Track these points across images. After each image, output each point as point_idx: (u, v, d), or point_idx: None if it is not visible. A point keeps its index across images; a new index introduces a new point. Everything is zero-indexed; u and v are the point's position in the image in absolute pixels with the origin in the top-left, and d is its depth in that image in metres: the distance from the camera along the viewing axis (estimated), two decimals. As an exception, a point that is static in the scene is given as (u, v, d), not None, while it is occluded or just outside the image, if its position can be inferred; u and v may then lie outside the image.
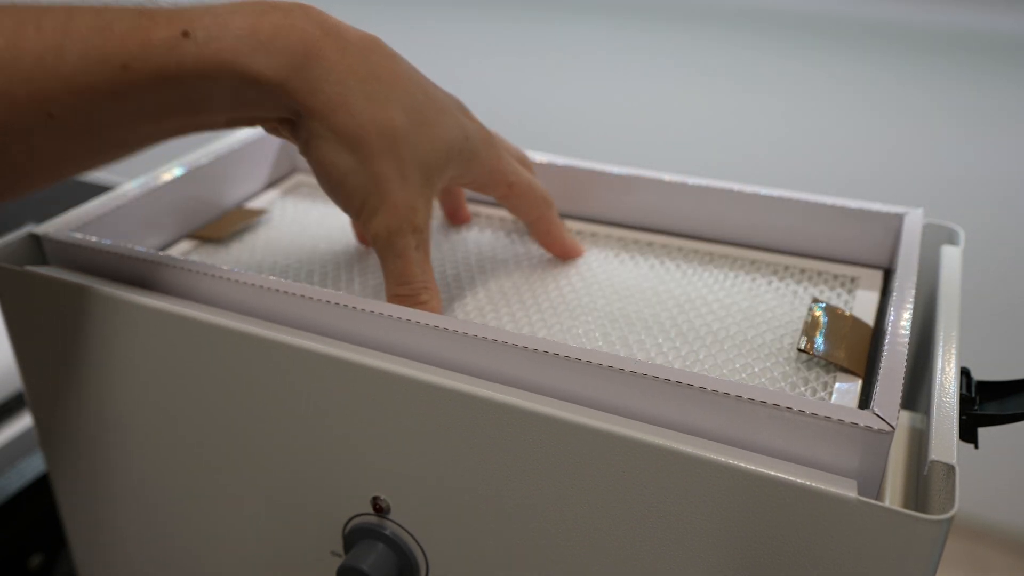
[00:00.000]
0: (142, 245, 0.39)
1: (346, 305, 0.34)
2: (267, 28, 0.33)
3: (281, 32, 0.33)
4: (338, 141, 0.34)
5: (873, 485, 0.28)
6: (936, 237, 0.43)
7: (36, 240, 0.41)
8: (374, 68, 0.35)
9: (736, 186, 0.45)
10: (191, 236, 0.47)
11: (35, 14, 0.31)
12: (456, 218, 0.47)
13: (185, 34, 0.32)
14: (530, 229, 0.43)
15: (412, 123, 0.35)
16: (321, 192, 0.44)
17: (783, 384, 0.34)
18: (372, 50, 0.35)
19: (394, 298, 0.36)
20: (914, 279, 0.36)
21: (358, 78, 0.34)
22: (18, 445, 0.57)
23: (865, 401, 0.32)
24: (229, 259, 0.44)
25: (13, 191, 0.34)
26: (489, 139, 0.39)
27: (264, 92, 0.33)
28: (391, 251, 0.36)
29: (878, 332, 0.36)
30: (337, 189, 0.36)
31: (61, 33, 0.31)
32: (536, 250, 0.45)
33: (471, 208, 0.49)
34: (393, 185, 0.35)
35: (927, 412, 0.32)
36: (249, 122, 0.36)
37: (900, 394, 0.29)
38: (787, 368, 0.35)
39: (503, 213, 0.49)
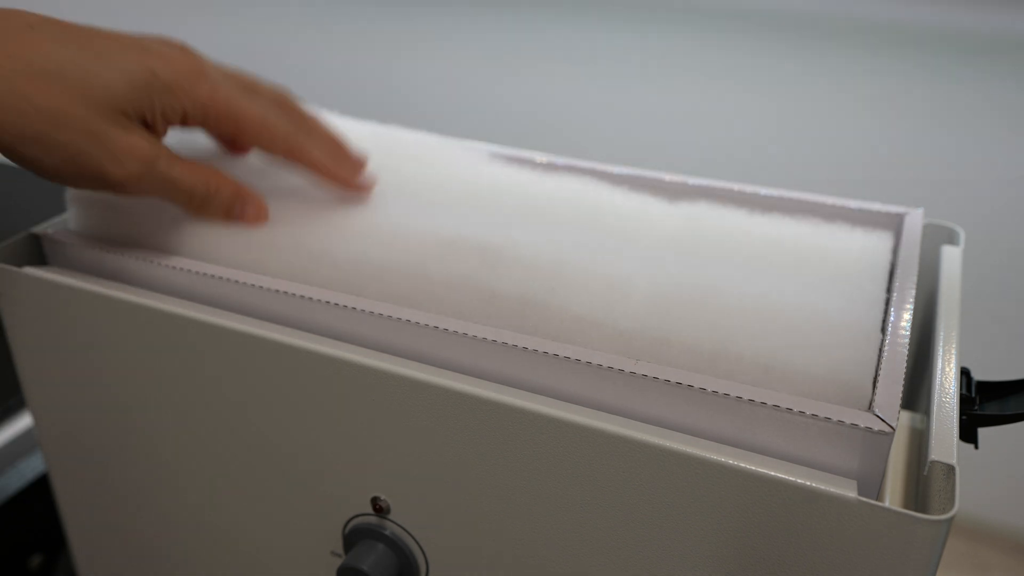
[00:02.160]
0: (142, 245, 0.39)
1: (346, 305, 0.34)
2: None
3: None
4: (7, 135, 0.33)
5: (873, 485, 0.28)
6: (936, 237, 0.43)
7: (36, 240, 0.41)
8: (7, 37, 0.33)
9: (736, 185, 0.45)
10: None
11: None
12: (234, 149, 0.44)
13: None
14: (292, 168, 0.40)
15: (78, 63, 0.34)
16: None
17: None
18: (10, 18, 0.34)
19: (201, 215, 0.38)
20: (914, 279, 0.36)
21: (12, 51, 0.33)
22: (18, 445, 0.57)
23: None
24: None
25: None
26: (196, 73, 0.36)
27: None
28: (156, 187, 0.36)
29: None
30: (40, 167, 0.34)
31: None
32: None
33: None
34: (83, 137, 0.33)
35: (927, 412, 0.32)
36: None
37: (900, 394, 0.29)
38: None
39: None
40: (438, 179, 0.45)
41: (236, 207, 0.39)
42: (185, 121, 0.37)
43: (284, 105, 0.41)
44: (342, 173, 0.41)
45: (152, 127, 0.36)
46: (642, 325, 0.34)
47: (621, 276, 0.36)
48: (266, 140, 0.39)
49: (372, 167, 0.44)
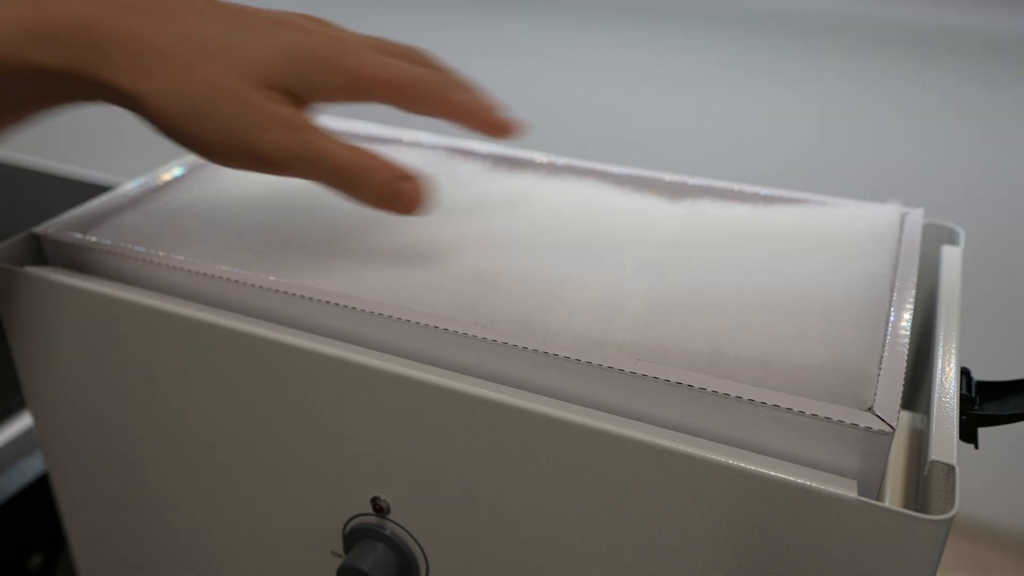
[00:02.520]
0: (142, 245, 0.39)
1: (346, 305, 0.34)
2: (44, 18, 0.32)
3: (58, 18, 0.32)
4: (165, 104, 0.33)
5: (873, 485, 0.28)
6: (936, 237, 0.43)
7: (36, 240, 0.41)
8: (168, 18, 0.34)
9: (736, 185, 0.45)
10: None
11: None
12: None
13: None
14: (441, 116, 0.40)
15: (223, 44, 0.34)
16: None
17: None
18: (162, 2, 0.34)
19: (383, 193, 0.35)
20: (914, 279, 0.36)
21: (150, 36, 0.33)
22: (18, 445, 0.57)
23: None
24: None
25: None
26: (341, 44, 0.37)
27: (61, 83, 0.33)
28: (311, 160, 0.35)
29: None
30: (198, 142, 0.34)
31: None
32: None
33: None
34: (234, 104, 0.33)
35: (927, 412, 0.32)
36: (67, 103, 0.35)
37: (900, 394, 0.29)
38: None
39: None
40: (438, 189, 0.45)
41: (392, 186, 0.36)
42: (336, 95, 0.37)
43: (424, 62, 0.40)
44: (498, 120, 0.40)
45: (303, 102, 0.36)
46: (640, 336, 0.34)
47: (619, 289, 0.36)
48: (424, 100, 0.38)
49: None
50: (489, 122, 0.40)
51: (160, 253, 0.39)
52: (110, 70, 0.33)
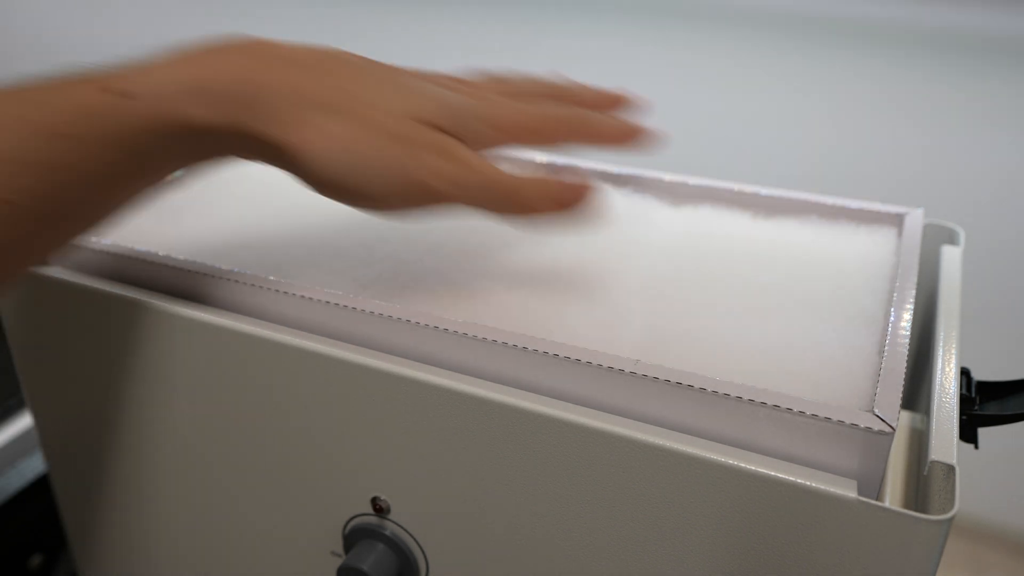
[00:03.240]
0: (142, 245, 0.39)
1: (346, 305, 0.34)
2: (206, 74, 0.32)
3: (221, 75, 0.32)
4: (329, 157, 0.33)
5: (873, 485, 0.28)
6: (936, 237, 0.43)
7: (36, 240, 0.41)
8: (327, 74, 0.34)
9: (736, 185, 0.45)
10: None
11: None
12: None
13: (124, 94, 0.31)
14: (583, 145, 0.40)
15: (380, 95, 0.34)
16: None
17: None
18: (322, 60, 0.34)
19: (552, 201, 0.34)
20: (914, 279, 0.36)
21: (311, 90, 0.33)
22: (18, 445, 0.57)
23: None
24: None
25: None
26: (486, 97, 0.37)
27: (219, 139, 0.33)
28: (479, 186, 0.34)
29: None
30: (364, 192, 0.34)
31: None
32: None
33: None
34: (399, 147, 0.33)
35: (927, 412, 0.32)
36: (217, 159, 0.35)
37: (900, 394, 0.29)
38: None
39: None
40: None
41: (564, 195, 0.35)
42: (487, 145, 0.37)
43: (557, 91, 0.41)
44: (633, 133, 0.40)
45: (462, 143, 0.36)
46: (642, 338, 0.34)
47: (617, 314, 0.35)
48: (568, 138, 0.39)
49: None
50: (630, 139, 0.40)
51: (160, 253, 0.39)
52: (272, 124, 0.33)
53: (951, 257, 0.41)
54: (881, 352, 0.32)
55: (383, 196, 0.34)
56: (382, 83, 0.35)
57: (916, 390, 0.41)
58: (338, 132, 0.33)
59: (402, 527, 0.36)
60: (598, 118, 0.40)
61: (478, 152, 0.36)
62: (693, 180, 0.45)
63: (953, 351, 0.34)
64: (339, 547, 0.38)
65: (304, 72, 0.34)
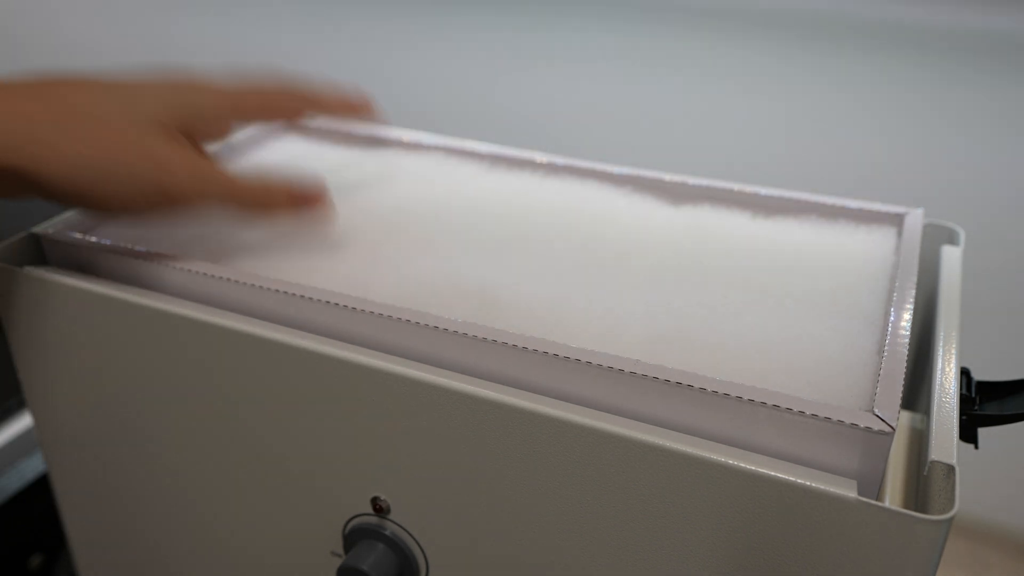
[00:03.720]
0: (141, 245, 0.39)
1: (346, 305, 0.34)
2: None
3: None
4: (68, 172, 0.35)
5: (873, 485, 0.28)
6: (936, 237, 0.43)
7: (36, 240, 0.41)
8: (59, 99, 0.36)
9: (736, 186, 0.45)
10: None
11: None
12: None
13: None
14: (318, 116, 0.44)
15: (111, 107, 0.37)
16: None
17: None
18: (55, 87, 0.37)
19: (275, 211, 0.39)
20: (914, 279, 0.36)
21: (41, 115, 0.35)
22: (18, 445, 0.57)
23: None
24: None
25: None
26: (205, 78, 0.40)
27: None
28: (217, 186, 0.37)
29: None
30: (109, 201, 0.36)
31: None
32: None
33: None
34: (131, 150, 0.36)
35: (927, 412, 0.32)
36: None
37: (900, 395, 0.29)
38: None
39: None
40: (437, 199, 0.45)
41: (296, 200, 0.40)
42: (221, 120, 0.41)
43: (276, 77, 0.44)
44: (357, 105, 0.45)
45: (196, 137, 0.40)
46: (641, 339, 0.34)
47: (617, 314, 0.35)
48: (279, 110, 0.43)
49: (371, 185, 0.45)
50: (356, 109, 0.45)
51: (160, 253, 0.39)
52: (7, 153, 0.34)
53: (951, 257, 0.41)
54: (881, 352, 0.32)
55: (127, 202, 0.37)
56: (111, 95, 0.37)
57: (916, 390, 0.41)
58: (73, 148, 0.35)
59: (402, 527, 0.36)
60: (321, 90, 0.44)
61: (215, 145, 0.41)
62: (693, 180, 0.45)
63: (953, 351, 0.34)
64: (339, 547, 0.38)
65: (35, 102, 0.36)
